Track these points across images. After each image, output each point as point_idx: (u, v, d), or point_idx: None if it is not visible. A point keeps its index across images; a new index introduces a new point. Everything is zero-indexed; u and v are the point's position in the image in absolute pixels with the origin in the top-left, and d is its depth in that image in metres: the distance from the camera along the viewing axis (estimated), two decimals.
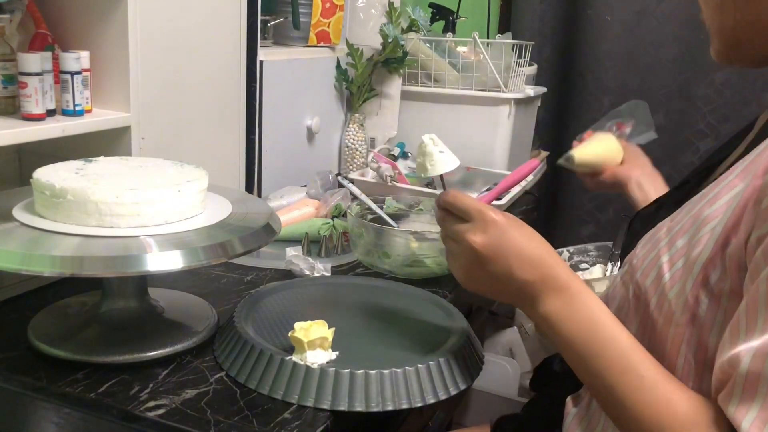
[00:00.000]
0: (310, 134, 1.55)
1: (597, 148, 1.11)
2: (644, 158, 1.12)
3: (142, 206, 0.76)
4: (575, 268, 1.26)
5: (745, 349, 0.51)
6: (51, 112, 0.93)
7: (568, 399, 0.75)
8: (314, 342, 0.74)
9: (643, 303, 0.63)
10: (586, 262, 1.26)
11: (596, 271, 1.23)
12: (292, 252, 1.07)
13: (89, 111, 0.98)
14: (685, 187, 0.78)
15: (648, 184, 1.06)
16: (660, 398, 0.57)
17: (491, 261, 0.67)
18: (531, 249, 0.66)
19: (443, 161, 0.81)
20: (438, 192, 0.85)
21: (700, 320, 0.58)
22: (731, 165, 0.64)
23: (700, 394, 0.57)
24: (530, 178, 1.68)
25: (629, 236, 0.83)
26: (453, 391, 0.76)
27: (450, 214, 0.71)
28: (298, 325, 0.75)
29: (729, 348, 0.53)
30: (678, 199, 0.76)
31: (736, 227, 0.56)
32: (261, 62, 1.30)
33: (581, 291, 0.64)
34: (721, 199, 0.58)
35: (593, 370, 0.61)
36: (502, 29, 2.27)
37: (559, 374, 0.84)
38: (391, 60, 1.62)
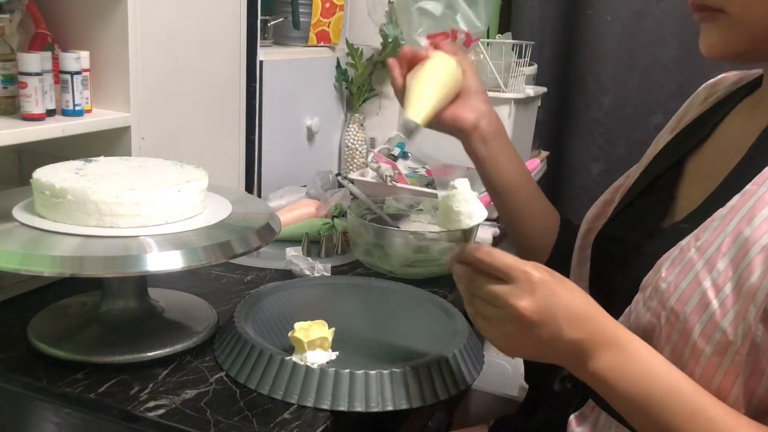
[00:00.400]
0: (310, 134, 1.55)
1: (434, 91, 0.79)
2: (483, 93, 0.90)
3: (142, 206, 0.76)
4: None
5: None
6: (51, 112, 0.93)
7: (572, 418, 0.73)
8: (314, 342, 0.74)
9: (680, 330, 0.59)
10: None
11: None
12: (292, 252, 1.07)
13: (89, 111, 0.98)
14: (652, 194, 0.76)
15: (495, 141, 0.89)
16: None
17: (540, 326, 0.60)
18: (579, 306, 0.61)
19: (473, 213, 0.71)
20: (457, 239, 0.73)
21: (756, 346, 0.55)
22: (738, 169, 0.62)
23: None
24: (533, 173, 1.68)
25: (600, 256, 0.79)
26: (453, 391, 0.76)
27: (480, 273, 0.63)
28: (298, 325, 0.75)
29: None
30: (648, 208, 0.74)
31: None
32: (261, 62, 1.30)
33: (630, 340, 0.60)
34: (759, 215, 0.56)
35: (658, 422, 0.58)
36: (502, 29, 2.27)
37: (559, 394, 0.82)
38: None
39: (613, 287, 0.71)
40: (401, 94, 0.84)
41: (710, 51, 0.64)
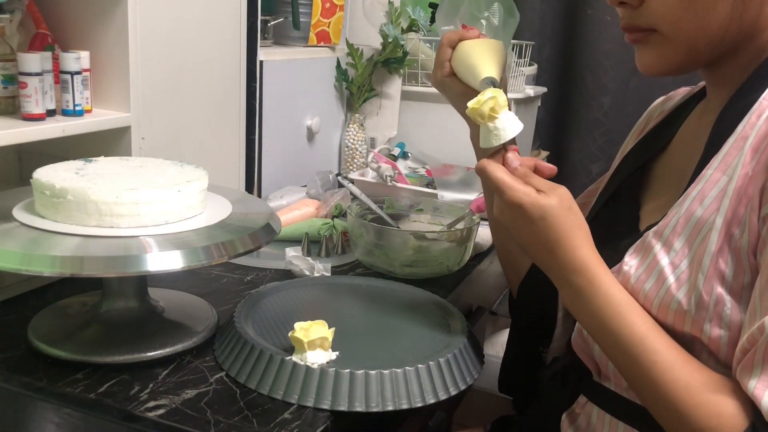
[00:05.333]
0: (310, 134, 1.55)
1: (496, 55, 0.83)
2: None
3: (142, 206, 0.76)
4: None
5: (765, 319, 0.53)
6: (51, 112, 0.93)
7: (564, 416, 0.75)
8: (314, 342, 0.74)
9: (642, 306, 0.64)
10: None
11: None
12: (292, 252, 1.07)
13: (89, 111, 0.98)
14: (615, 204, 0.81)
15: None
16: (678, 383, 0.58)
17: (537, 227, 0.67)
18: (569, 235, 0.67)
19: (504, 128, 0.72)
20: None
21: (726, 321, 0.59)
22: (699, 165, 0.65)
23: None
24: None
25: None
26: (453, 391, 0.76)
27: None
28: (298, 325, 0.75)
29: (751, 325, 0.55)
30: (611, 219, 0.79)
31: (737, 218, 0.58)
32: (261, 62, 1.30)
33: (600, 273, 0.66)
34: (708, 195, 0.60)
35: (613, 355, 0.64)
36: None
37: (548, 392, 0.83)
38: (391, 60, 1.62)
39: None
40: (446, 79, 0.89)
41: (648, 69, 0.69)
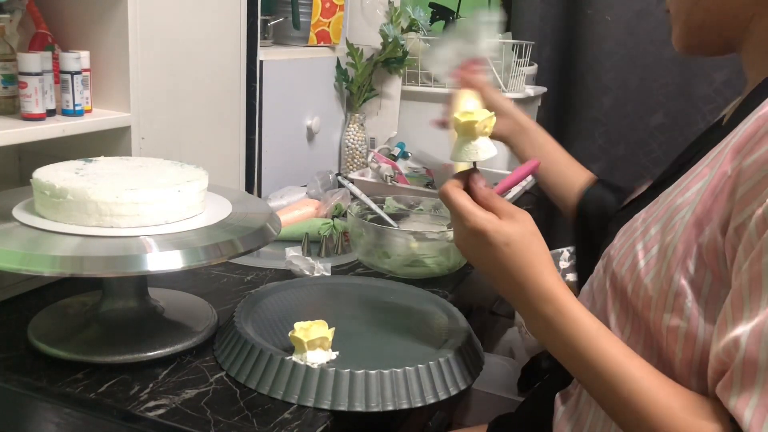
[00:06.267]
0: (310, 134, 1.55)
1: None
2: (504, 101, 1.05)
3: (142, 206, 0.76)
4: (576, 267, 1.26)
5: (739, 332, 0.52)
6: (51, 112, 0.93)
7: (557, 396, 0.75)
8: (314, 342, 0.74)
9: (620, 291, 0.64)
10: None
11: None
12: (292, 252, 1.07)
13: (89, 111, 0.98)
14: (662, 187, 0.78)
15: (533, 135, 1.04)
16: (658, 407, 0.56)
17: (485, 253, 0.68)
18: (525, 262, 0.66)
19: (483, 148, 0.72)
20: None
21: (687, 314, 0.58)
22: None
23: (692, 384, 0.58)
24: (530, 178, 1.68)
25: (607, 238, 0.83)
26: (453, 391, 0.76)
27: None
28: (298, 325, 0.75)
29: (723, 335, 0.54)
30: (653, 197, 0.76)
31: (709, 215, 0.57)
32: (261, 62, 1.30)
33: (562, 299, 0.64)
34: (692, 188, 0.60)
35: (589, 384, 0.62)
36: (502, 29, 2.27)
37: (547, 371, 0.84)
38: (391, 60, 1.62)
39: None
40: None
41: (675, 47, 0.72)
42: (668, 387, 0.58)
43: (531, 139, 1.03)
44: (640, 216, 0.66)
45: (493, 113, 0.72)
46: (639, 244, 0.63)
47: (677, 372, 0.60)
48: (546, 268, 0.65)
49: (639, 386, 0.58)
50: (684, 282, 0.58)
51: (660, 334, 0.60)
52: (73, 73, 0.93)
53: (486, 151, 0.72)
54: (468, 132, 0.71)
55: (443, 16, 1.96)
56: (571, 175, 1.02)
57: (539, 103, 1.96)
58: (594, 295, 0.70)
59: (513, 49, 1.63)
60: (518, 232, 0.65)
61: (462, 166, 0.77)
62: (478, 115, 0.70)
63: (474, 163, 0.72)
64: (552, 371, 0.82)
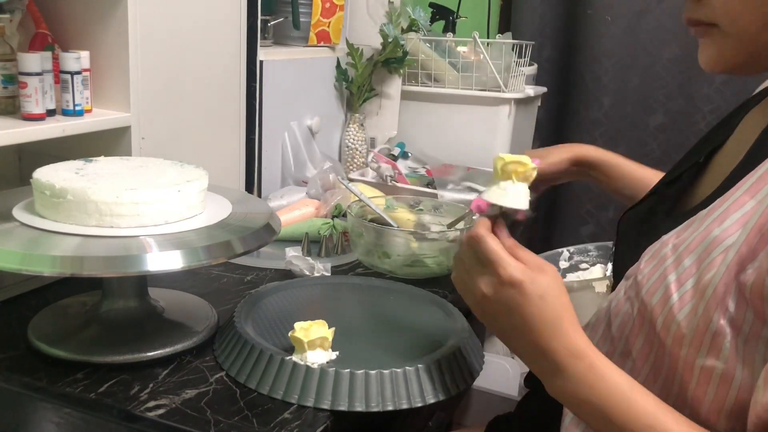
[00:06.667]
0: (310, 134, 1.55)
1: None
2: (553, 151, 1.05)
3: (142, 206, 0.76)
4: (575, 267, 1.26)
5: None
6: (51, 112, 0.93)
7: None
8: (314, 342, 0.74)
9: (648, 321, 0.61)
10: (586, 262, 1.26)
11: (596, 271, 1.23)
12: (292, 252, 1.07)
13: (89, 111, 0.98)
14: (676, 184, 0.77)
15: (603, 164, 1.05)
16: None
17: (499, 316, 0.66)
18: (541, 319, 0.63)
19: (514, 195, 0.69)
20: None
21: (725, 355, 0.56)
22: (737, 168, 0.62)
23: (721, 426, 0.56)
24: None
25: (621, 239, 0.81)
26: (453, 391, 0.76)
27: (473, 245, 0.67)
28: (298, 325, 0.75)
29: (766, 387, 0.52)
30: (670, 196, 0.75)
31: (754, 253, 0.54)
32: (261, 62, 1.30)
33: (587, 356, 0.62)
34: (731, 217, 0.56)
35: None
36: (502, 29, 2.27)
37: None
38: (391, 60, 1.62)
39: (616, 270, 0.75)
40: None
41: (708, 65, 0.65)
42: (697, 428, 0.56)
43: (604, 171, 1.04)
44: (669, 241, 0.62)
45: (534, 166, 0.69)
46: (671, 275, 0.59)
47: (704, 413, 0.58)
48: (576, 324, 0.63)
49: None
50: (723, 322, 0.55)
51: (689, 373, 0.58)
52: (73, 73, 0.93)
53: (518, 200, 0.69)
54: (506, 174, 0.69)
55: (443, 16, 1.96)
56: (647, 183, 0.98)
57: (539, 103, 1.95)
58: (611, 315, 0.67)
59: (513, 49, 1.63)
60: (551, 285, 0.64)
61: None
62: (521, 160, 0.68)
63: (501, 210, 0.69)
64: None
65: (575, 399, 0.62)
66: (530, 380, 0.96)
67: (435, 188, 1.47)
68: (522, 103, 1.73)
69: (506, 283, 0.64)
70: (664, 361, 0.60)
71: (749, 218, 0.55)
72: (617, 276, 0.72)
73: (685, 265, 0.59)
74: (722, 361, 0.56)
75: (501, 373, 1.56)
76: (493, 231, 0.68)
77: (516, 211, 0.69)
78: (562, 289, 0.65)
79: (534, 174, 0.70)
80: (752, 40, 0.61)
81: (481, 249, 0.65)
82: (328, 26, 1.53)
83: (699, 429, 0.57)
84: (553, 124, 2.22)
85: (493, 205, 0.69)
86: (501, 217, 0.69)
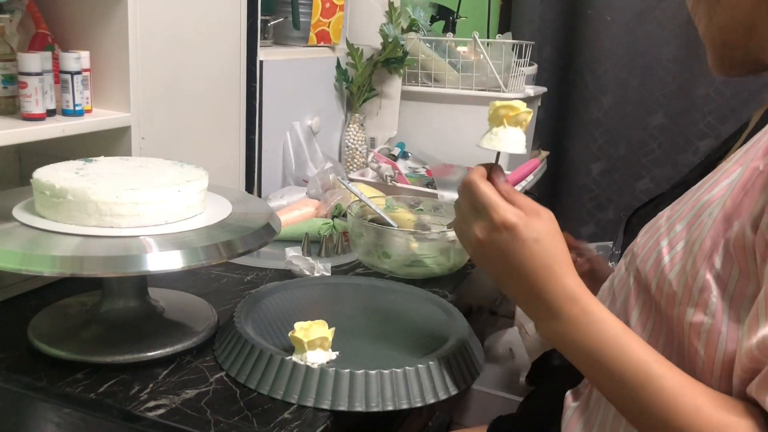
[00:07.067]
0: (311, 134, 1.55)
1: None
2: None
3: (142, 206, 0.76)
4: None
5: None
6: (51, 112, 0.93)
7: (568, 393, 0.75)
8: (314, 342, 0.74)
9: (644, 287, 0.63)
10: None
11: None
12: (292, 252, 1.07)
13: (89, 111, 0.98)
14: (683, 185, 0.78)
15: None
16: (687, 406, 0.55)
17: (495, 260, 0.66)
18: (536, 262, 0.64)
19: (509, 140, 0.69)
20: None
21: (712, 309, 0.57)
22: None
23: (714, 382, 0.57)
24: (530, 177, 1.68)
25: (628, 235, 0.83)
26: (453, 391, 0.76)
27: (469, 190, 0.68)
28: (298, 325, 0.75)
29: (754, 332, 0.52)
30: (677, 196, 0.76)
31: (738, 210, 0.56)
32: (261, 62, 1.30)
33: (586, 301, 0.63)
34: (720, 184, 0.59)
35: (610, 384, 0.60)
36: (502, 29, 2.27)
37: (558, 368, 0.84)
38: (391, 60, 1.62)
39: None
40: None
41: (712, 68, 0.69)
42: (695, 385, 0.57)
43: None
44: (665, 214, 0.64)
45: (528, 110, 0.69)
46: (664, 241, 0.61)
47: (699, 371, 0.59)
48: (571, 267, 0.64)
49: (665, 384, 0.57)
50: (709, 277, 0.57)
51: (682, 331, 0.59)
52: (73, 73, 0.93)
53: (511, 144, 0.69)
54: (497, 119, 0.69)
55: (443, 16, 1.96)
56: None
57: (539, 103, 1.96)
58: (615, 292, 0.69)
59: (513, 49, 1.63)
60: (546, 229, 0.64)
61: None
62: (511, 104, 0.68)
63: (498, 155, 0.70)
64: (563, 369, 0.81)
65: (569, 342, 0.63)
66: (532, 378, 0.96)
67: (435, 188, 1.47)
68: None
69: (500, 227, 0.64)
70: (662, 325, 0.61)
71: (735, 180, 0.57)
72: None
73: (676, 230, 0.60)
74: (709, 317, 0.57)
75: (501, 373, 1.57)
76: (490, 177, 0.68)
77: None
78: (557, 233, 0.65)
79: (528, 118, 0.70)
80: (713, 42, 0.65)
81: (474, 194, 0.66)
82: (328, 26, 1.53)
83: (688, 376, 0.58)
84: (553, 124, 2.22)
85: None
86: (496, 164, 0.69)
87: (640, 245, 0.64)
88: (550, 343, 0.65)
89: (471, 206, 0.67)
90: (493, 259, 0.66)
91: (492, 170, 0.69)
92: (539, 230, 0.64)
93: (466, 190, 0.67)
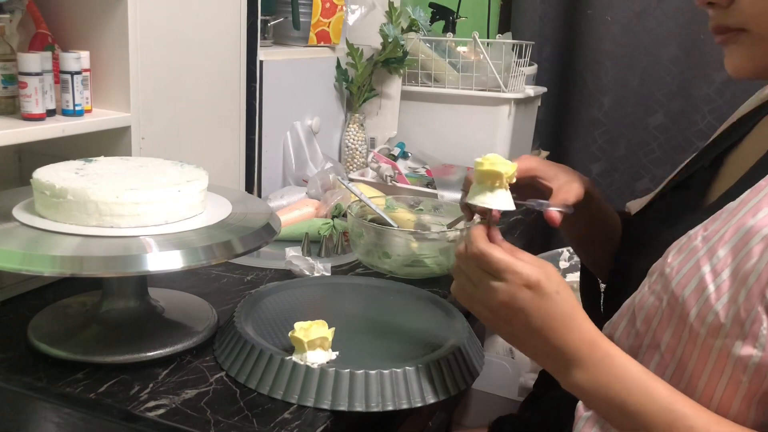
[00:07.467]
0: (311, 134, 1.55)
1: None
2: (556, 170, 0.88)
3: (142, 206, 0.76)
4: (575, 268, 1.26)
5: None
6: (51, 112, 0.93)
7: (580, 403, 0.74)
8: (314, 342, 0.74)
9: (679, 313, 0.61)
10: None
11: None
12: (292, 252, 1.07)
13: (89, 111, 0.98)
14: (689, 183, 0.77)
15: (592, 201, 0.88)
16: None
17: (515, 321, 0.65)
18: (558, 314, 0.64)
19: (498, 199, 0.69)
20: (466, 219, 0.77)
21: (762, 342, 0.56)
22: (763, 161, 0.63)
23: (750, 415, 0.57)
24: None
25: (634, 238, 0.81)
26: (453, 391, 0.76)
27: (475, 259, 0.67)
28: (298, 325, 0.75)
29: None
30: (692, 193, 0.75)
31: None
32: (261, 62, 1.30)
33: (606, 350, 0.63)
34: (763, 208, 0.57)
35: (636, 428, 0.60)
36: (502, 29, 2.27)
37: None
38: (391, 60, 1.62)
39: (630, 270, 0.73)
40: None
41: (737, 72, 0.65)
42: (725, 422, 0.57)
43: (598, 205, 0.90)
44: (698, 234, 0.62)
45: (514, 164, 0.69)
46: (706, 267, 0.59)
47: (713, 406, 0.59)
48: (585, 314, 0.64)
49: (696, 423, 0.57)
50: (761, 309, 0.56)
51: (724, 362, 0.58)
52: (73, 73, 0.93)
53: (502, 204, 0.68)
54: (484, 181, 0.69)
55: (443, 16, 1.96)
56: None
57: (539, 103, 1.95)
58: (635, 310, 0.67)
59: (513, 49, 1.63)
60: (560, 279, 0.64)
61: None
62: (500, 166, 0.67)
63: (489, 212, 0.69)
64: None
65: (594, 389, 0.63)
66: (541, 386, 0.96)
67: (435, 188, 1.47)
68: (522, 103, 1.73)
69: (523, 287, 0.64)
70: (692, 354, 0.60)
71: None
72: (626, 274, 0.72)
73: (719, 255, 0.59)
74: (759, 349, 0.56)
75: (501, 373, 1.56)
76: (489, 236, 0.68)
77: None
78: (565, 282, 0.65)
79: (513, 179, 0.69)
80: None
81: (486, 261, 0.65)
82: (328, 26, 1.53)
83: (716, 415, 0.57)
84: (553, 124, 2.22)
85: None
86: (489, 223, 0.69)
87: (674, 268, 0.62)
88: (574, 394, 0.65)
89: (483, 272, 0.66)
90: (513, 320, 0.65)
91: (490, 230, 0.68)
92: (558, 281, 0.64)
93: (475, 257, 0.66)
